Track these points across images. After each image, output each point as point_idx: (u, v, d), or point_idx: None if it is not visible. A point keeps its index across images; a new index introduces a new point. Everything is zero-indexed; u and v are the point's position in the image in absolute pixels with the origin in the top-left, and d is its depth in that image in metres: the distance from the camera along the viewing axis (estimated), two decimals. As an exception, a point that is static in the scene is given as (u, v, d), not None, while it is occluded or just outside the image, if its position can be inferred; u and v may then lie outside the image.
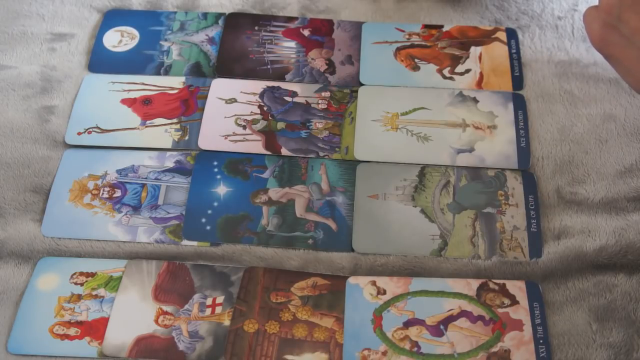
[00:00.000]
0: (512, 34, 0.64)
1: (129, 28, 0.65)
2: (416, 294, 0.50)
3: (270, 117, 0.59)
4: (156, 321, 0.50)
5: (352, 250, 0.53)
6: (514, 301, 0.50)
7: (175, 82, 0.61)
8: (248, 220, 0.54)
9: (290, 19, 0.65)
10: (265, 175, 0.56)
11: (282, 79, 0.61)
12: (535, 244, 0.52)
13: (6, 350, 0.48)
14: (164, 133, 0.58)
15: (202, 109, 0.59)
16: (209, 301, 0.51)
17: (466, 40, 0.63)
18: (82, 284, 0.51)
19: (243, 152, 0.57)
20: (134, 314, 0.50)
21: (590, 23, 0.49)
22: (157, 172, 0.56)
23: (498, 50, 0.63)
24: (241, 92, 0.61)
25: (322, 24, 0.65)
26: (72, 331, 0.49)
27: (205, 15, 0.66)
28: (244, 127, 0.58)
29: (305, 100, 0.60)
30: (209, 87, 0.61)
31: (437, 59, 0.62)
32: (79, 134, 0.58)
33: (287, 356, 0.48)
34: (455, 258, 0.52)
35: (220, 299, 0.51)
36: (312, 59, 0.63)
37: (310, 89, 0.61)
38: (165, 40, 0.64)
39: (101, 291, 0.51)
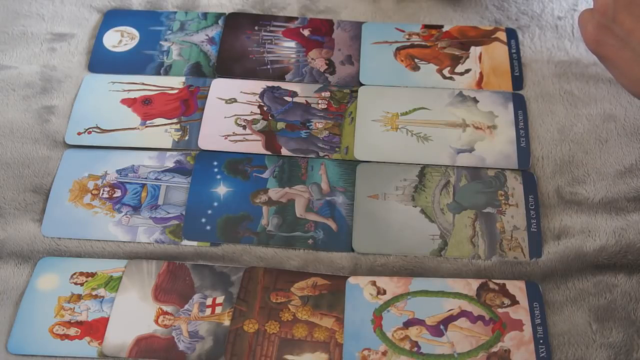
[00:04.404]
0: (512, 34, 0.64)
1: (129, 28, 0.65)
2: (416, 294, 0.50)
3: (270, 117, 0.59)
4: (156, 321, 0.50)
5: (352, 250, 0.53)
6: (514, 301, 0.50)
7: (175, 82, 0.61)
8: (248, 220, 0.54)
9: (290, 19, 0.65)
10: (265, 175, 0.56)
11: (282, 79, 0.61)
12: (535, 244, 0.52)
13: (6, 350, 0.48)
14: (164, 133, 0.58)
15: (202, 109, 0.59)
16: (209, 301, 0.51)
17: (466, 40, 0.63)
18: (82, 284, 0.51)
19: (243, 152, 0.57)
20: (134, 314, 0.50)
21: (584, 24, 0.49)
22: (157, 172, 0.56)
23: (498, 50, 0.63)
24: (241, 92, 0.61)
25: (322, 24, 0.65)
26: (72, 331, 0.49)
27: (205, 15, 0.66)
28: (244, 127, 0.58)
29: (305, 100, 0.60)
30: (209, 87, 0.61)
31: (437, 59, 0.62)
32: (79, 134, 0.58)
33: (287, 356, 0.48)
34: (455, 258, 0.52)
35: (220, 299, 0.51)
36: (312, 59, 0.63)
37: (310, 89, 0.61)
38: (165, 40, 0.64)
39: (101, 291, 0.51)
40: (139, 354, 0.48)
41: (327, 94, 0.60)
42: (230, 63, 0.62)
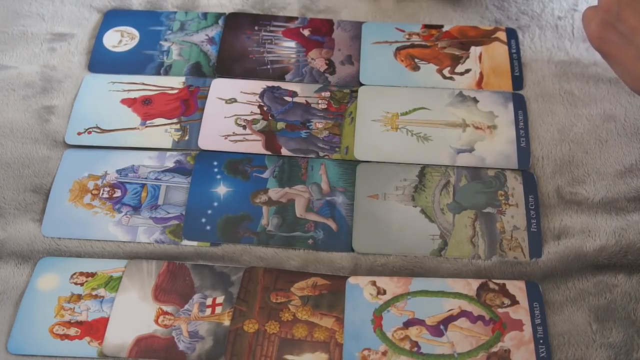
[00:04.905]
0: (512, 34, 0.64)
1: (129, 28, 0.65)
2: (416, 294, 0.50)
3: (270, 117, 0.59)
4: (156, 321, 0.50)
5: (352, 250, 0.53)
6: (514, 301, 0.50)
7: (175, 82, 0.61)
8: (248, 220, 0.54)
9: (290, 19, 0.65)
10: (265, 175, 0.56)
11: (282, 79, 0.61)
12: (535, 244, 0.52)
13: (6, 350, 0.48)
14: (164, 133, 0.58)
15: (202, 109, 0.59)
16: (209, 301, 0.51)
17: (466, 40, 0.63)
18: (82, 284, 0.51)
19: (243, 152, 0.57)
20: (134, 314, 0.50)
21: (588, 22, 0.49)
22: (157, 172, 0.56)
23: (498, 50, 0.63)
24: (241, 92, 0.61)
25: (322, 23, 0.65)
26: (72, 331, 0.49)
27: (205, 15, 0.66)
28: (244, 127, 0.58)
29: (305, 100, 0.60)
30: (209, 87, 0.61)
31: (437, 59, 0.62)
32: (79, 134, 0.58)
33: (287, 356, 0.48)
34: (455, 258, 0.52)
35: (220, 299, 0.51)
36: (312, 59, 0.63)
37: (310, 89, 0.61)
38: (165, 40, 0.64)
39: (101, 291, 0.51)
40: (139, 354, 0.48)
41: (327, 94, 0.60)
42: (230, 63, 0.62)
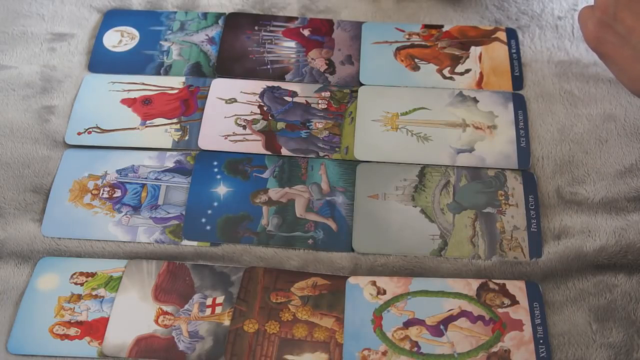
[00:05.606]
0: (512, 34, 0.64)
1: (129, 28, 0.65)
2: (416, 294, 0.50)
3: (270, 117, 0.59)
4: (156, 321, 0.50)
5: (352, 250, 0.53)
6: (514, 301, 0.50)
7: (175, 82, 0.61)
8: (248, 220, 0.54)
9: (290, 19, 0.65)
10: (265, 175, 0.56)
11: (282, 79, 0.61)
12: (535, 244, 0.52)
13: (6, 350, 0.48)
14: (164, 133, 0.58)
15: (202, 109, 0.59)
16: (209, 301, 0.51)
17: (466, 40, 0.63)
18: (82, 284, 0.51)
19: (243, 152, 0.57)
20: (134, 314, 0.50)
21: (585, 22, 0.49)
22: (157, 172, 0.56)
23: (498, 50, 0.63)
24: (241, 92, 0.61)
25: (322, 23, 0.65)
26: (72, 331, 0.49)
27: (205, 15, 0.66)
28: (244, 127, 0.58)
29: (305, 100, 0.60)
30: (209, 87, 0.61)
31: (437, 59, 0.62)
32: (79, 134, 0.58)
33: (287, 356, 0.48)
34: (455, 258, 0.52)
35: (220, 299, 0.51)
36: (312, 59, 0.63)
37: (310, 89, 0.61)
38: (165, 40, 0.64)
39: (101, 291, 0.51)
40: (139, 354, 0.48)
41: (327, 94, 0.60)
42: (230, 63, 0.62)
